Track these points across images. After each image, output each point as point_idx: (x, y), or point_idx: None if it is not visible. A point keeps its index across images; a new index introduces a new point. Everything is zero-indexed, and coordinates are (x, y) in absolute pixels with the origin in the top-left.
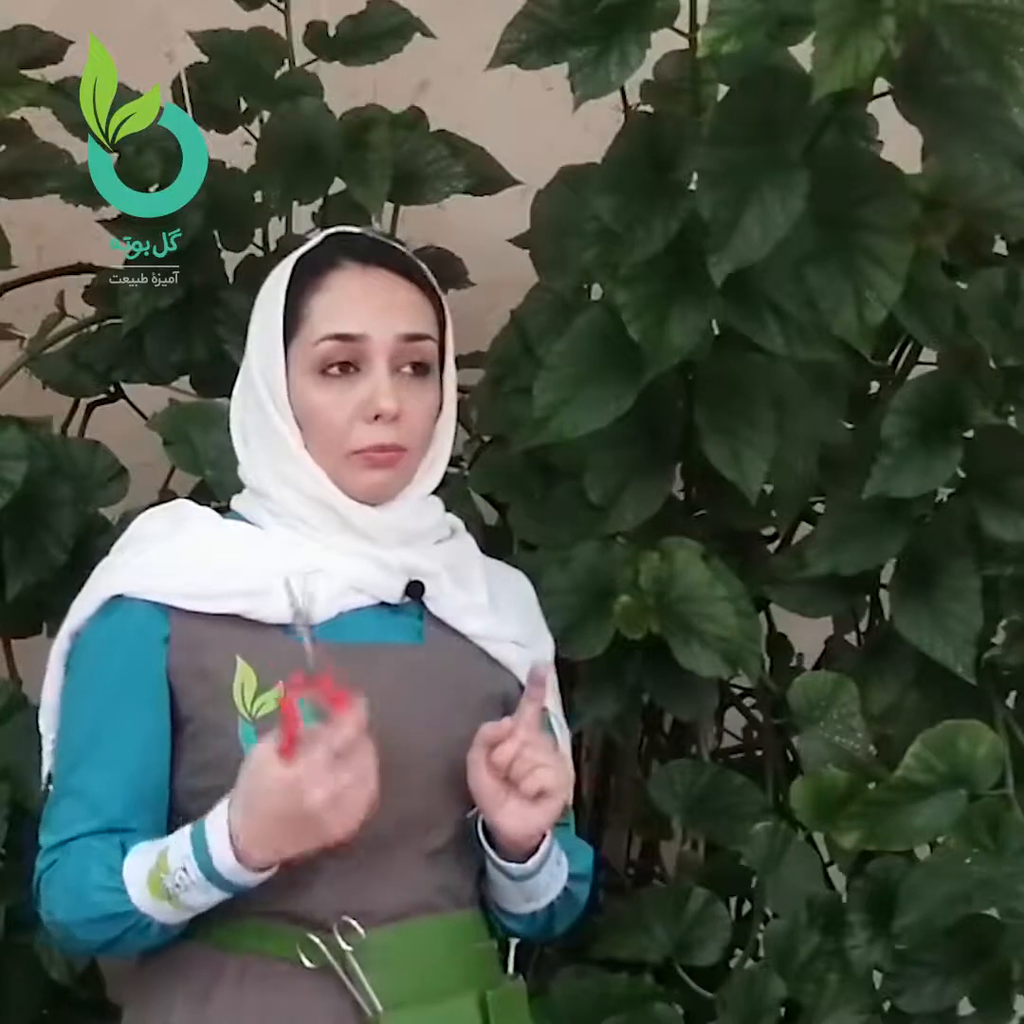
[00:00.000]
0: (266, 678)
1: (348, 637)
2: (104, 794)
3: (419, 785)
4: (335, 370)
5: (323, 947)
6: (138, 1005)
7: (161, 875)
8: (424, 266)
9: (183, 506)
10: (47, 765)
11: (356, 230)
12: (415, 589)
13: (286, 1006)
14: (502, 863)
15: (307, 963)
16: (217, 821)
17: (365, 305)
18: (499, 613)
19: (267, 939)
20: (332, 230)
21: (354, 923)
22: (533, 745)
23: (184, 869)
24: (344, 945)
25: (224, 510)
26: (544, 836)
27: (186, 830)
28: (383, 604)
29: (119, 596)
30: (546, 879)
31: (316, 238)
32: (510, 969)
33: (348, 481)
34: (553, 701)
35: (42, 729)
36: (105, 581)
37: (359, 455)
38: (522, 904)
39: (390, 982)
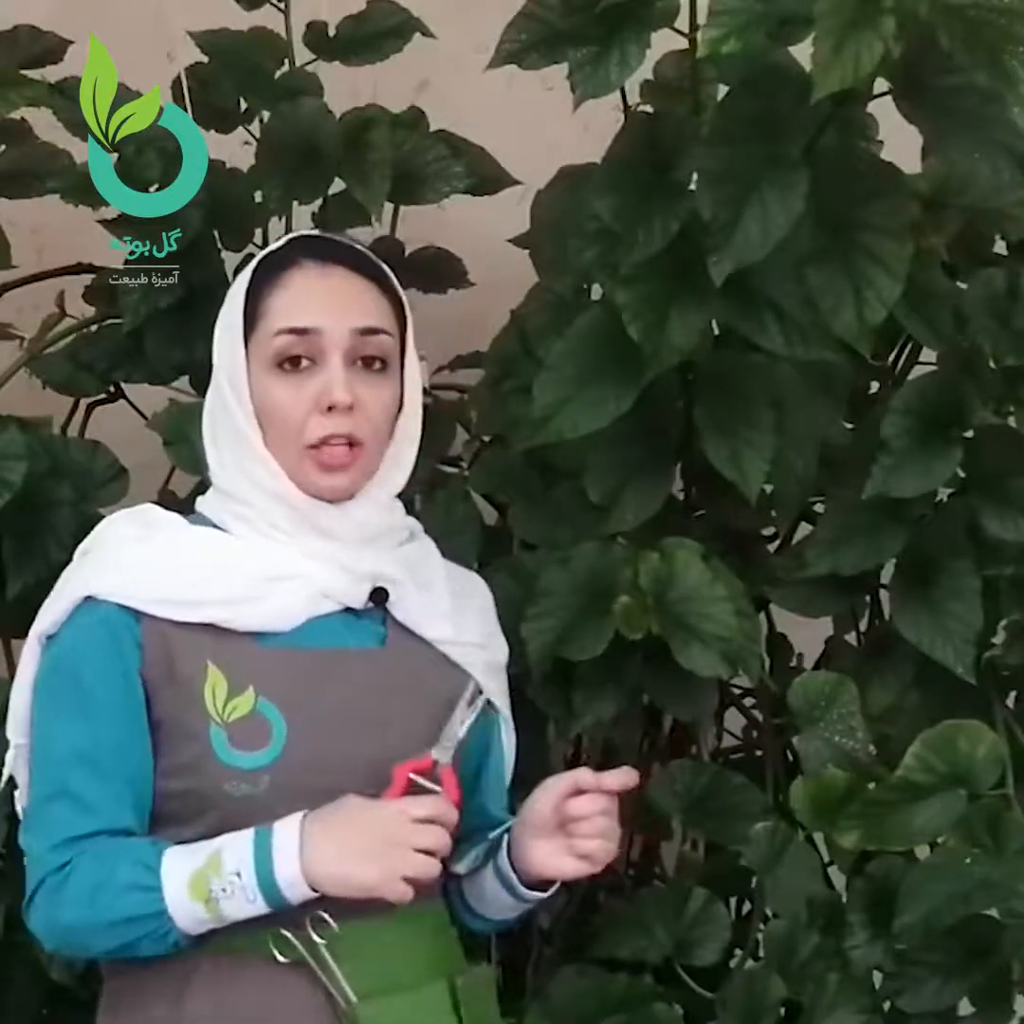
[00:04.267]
0: (236, 683)
1: (314, 643)
2: (93, 794)
3: (384, 788)
4: (291, 364)
5: (295, 941)
6: (112, 1004)
7: (210, 874)
8: (385, 266)
9: (150, 511)
10: (8, 769)
11: (319, 233)
12: (380, 595)
13: (261, 1001)
14: (521, 889)
15: (280, 958)
16: (287, 829)
17: (320, 300)
18: (461, 617)
19: (239, 936)
20: (296, 233)
21: (325, 916)
22: (608, 815)
23: (238, 873)
24: (316, 938)
25: (188, 511)
26: None
27: (246, 834)
28: (347, 609)
29: (91, 598)
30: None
31: (280, 241)
32: (494, 960)
33: (305, 480)
34: (503, 703)
35: (9, 735)
36: (75, 584)
37: (313, 451)
38: (504, 914)
39: (362, 973)
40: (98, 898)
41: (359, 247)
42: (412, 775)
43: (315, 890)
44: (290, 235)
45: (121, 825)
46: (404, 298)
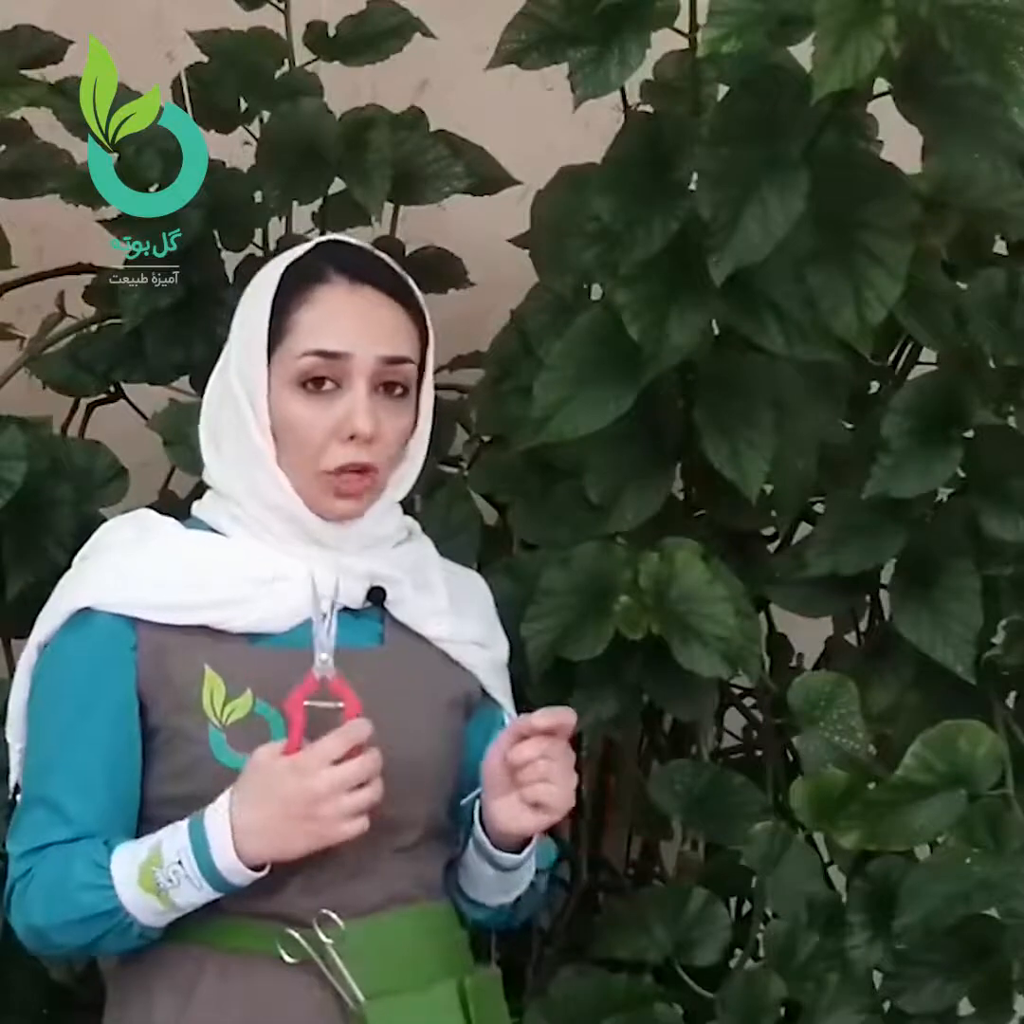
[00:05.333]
0: (234, 686)
1: (312, 644)
2: (75, 804)
3: (387, 788)
4: (314, 385)
5: (303, 941)
6: (119, 1004)
7: (153, 869)
8: (412, 284)
9: (146, 516)
10: (14, 775)
11: (348, 241)
12: (377, 594)
13: (268, 1002)
14: (494, 851)
15: (287, 958)
16: (217, 815)
17: (350, 323)
18: (460, 615)
19: (247, 936)
20: (323, 238)
21: (333, 916)
22: (551, 758)
23: (180, 863)
24: (324, 938)
25: (187, 513)
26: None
27: (182, 824)
28: (345, 609)
29: (87, 608)
30: (525, 872)
31: (306, 246)
32: (493, 959)
33: (316, 501)
34: (507, 700)
35: (9, 739)
36: (72, 593)
37: (329, 477)
38: (496, 896)
39: (370, 973)
40: (55, 899)
41: (388, 262)
42: (307, 703)
43: (259, 868)
44: (317, 240)
45: (101, 836)
46: (428, 318)
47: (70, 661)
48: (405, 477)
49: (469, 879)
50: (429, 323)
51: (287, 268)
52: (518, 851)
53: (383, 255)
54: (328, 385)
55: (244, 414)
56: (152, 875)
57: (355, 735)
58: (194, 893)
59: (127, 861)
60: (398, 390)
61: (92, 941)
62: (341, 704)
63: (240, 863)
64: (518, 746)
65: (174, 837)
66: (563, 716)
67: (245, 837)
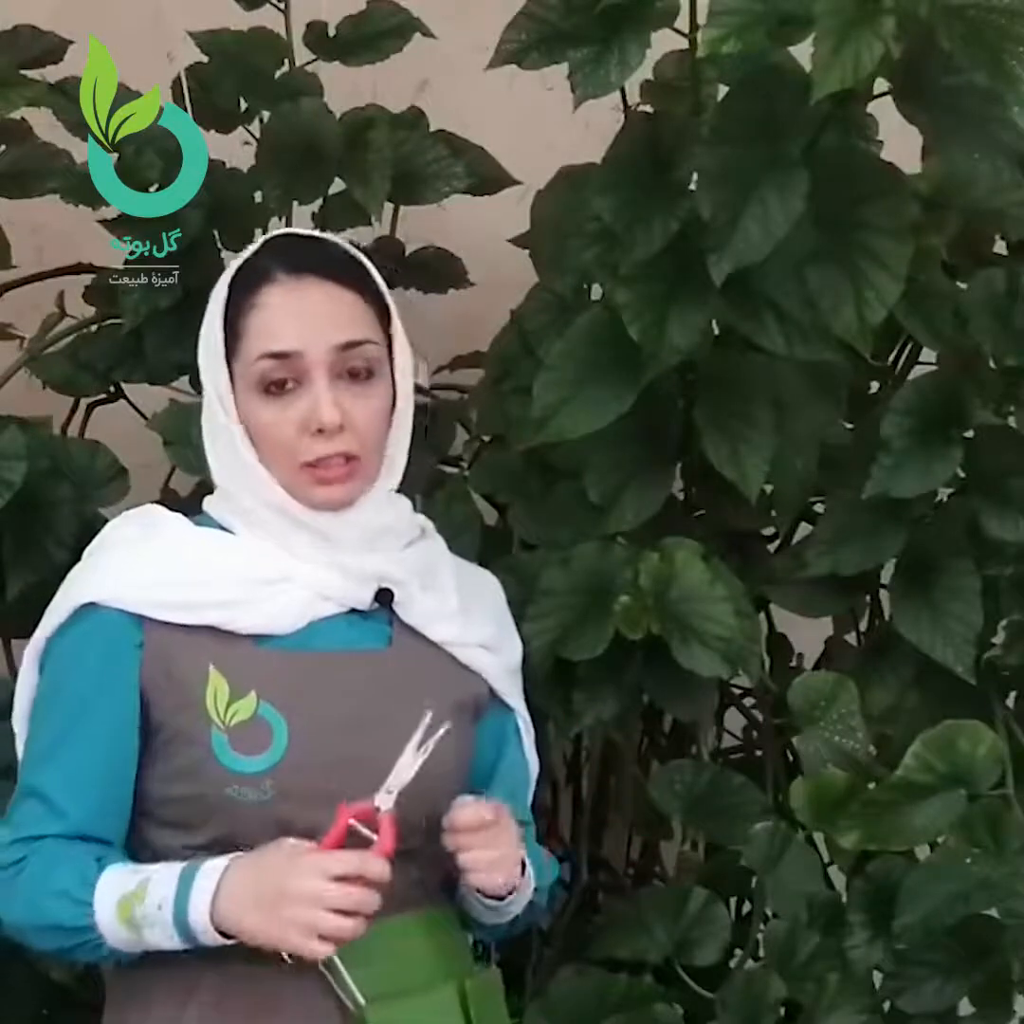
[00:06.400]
0: (238, 687)
1: (317, 646)
2: (68, 799)
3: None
4: (276, 387)
5: None
6: (118, 1006)
7: (134, 902)
8: (365, 262)
9: (154, 512)
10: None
11: (293, 232)
12: (384, 596)
13: (268, 1005)
14: (481, 898)
15: (288, 960)
16: (210, 871)
17: (298, 320)
18: (469, 617)
19: None
20: (269, 235)
21: None
22: (482, 847)
23: (159, 906)
24: None
25: (191, 510)
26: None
27: (177, 867)
28: (352, 611)
29: (92, 603)
30: (513, 906)
31: (254, 245)
32: (493, 960)
33: (301, 493)
34: (520, 704)
35: (17, 730)
36: (78, 588)
37: (310, 469)
38: (490, 918)
39: (371, 976)
40: (33, 900)
41: (333, 248)
42: (352, 821)
43: (229, 936)
44: (262, 238)
45: (92, 833)
46: (386, 294)
47: (74, 656)
48: (395, 459)
49: (465, 903)
50: (389, 300)
51: (235, 274)
52: (502, 898)
53: (331, 237)
54: (289, 384)
55: (220, 421)
56: (131, 908)
57: (366, 867)
58: (165, 940)
59: (114, 887)
60: (363, 374)
61: (64, 950)
62: (375, 839)
63: (210, 925)
64: (452, 838)
65: (163, 881)
66: (481, 812)
67: (226, 899)
